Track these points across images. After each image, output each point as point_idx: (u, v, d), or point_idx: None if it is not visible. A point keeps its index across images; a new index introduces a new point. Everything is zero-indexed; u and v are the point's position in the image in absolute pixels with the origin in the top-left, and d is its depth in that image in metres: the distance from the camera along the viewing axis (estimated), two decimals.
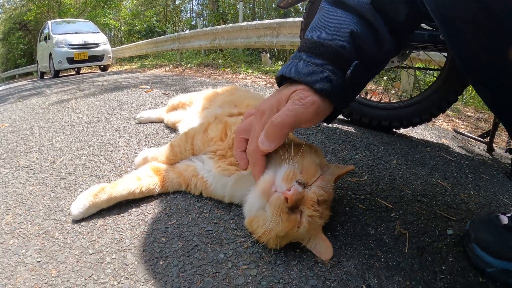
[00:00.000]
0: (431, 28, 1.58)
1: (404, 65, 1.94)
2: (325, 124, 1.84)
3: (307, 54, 0.70)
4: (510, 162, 1.52)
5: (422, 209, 1.03)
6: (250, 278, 0.73)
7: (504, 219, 0.81)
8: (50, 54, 9.60)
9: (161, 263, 0.78)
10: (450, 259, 0.83)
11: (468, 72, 0.64)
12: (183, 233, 0.88)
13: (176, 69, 6.55)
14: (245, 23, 6.16)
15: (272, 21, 5.39)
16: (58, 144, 1.66)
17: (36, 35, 15.47)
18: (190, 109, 1.57)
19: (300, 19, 1.97)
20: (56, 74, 9.46)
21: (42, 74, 11.49)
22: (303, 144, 0.86)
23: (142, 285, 0.71)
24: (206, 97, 1.52)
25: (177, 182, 1.07)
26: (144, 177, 1.04)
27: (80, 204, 0.94)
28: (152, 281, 0.72)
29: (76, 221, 0.95)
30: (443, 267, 0.80)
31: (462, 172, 1.38)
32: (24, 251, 0.85)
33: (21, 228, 0.95)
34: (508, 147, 1.68)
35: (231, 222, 0.92)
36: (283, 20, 5.16)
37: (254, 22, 5.93)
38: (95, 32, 10.54)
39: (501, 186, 1.32)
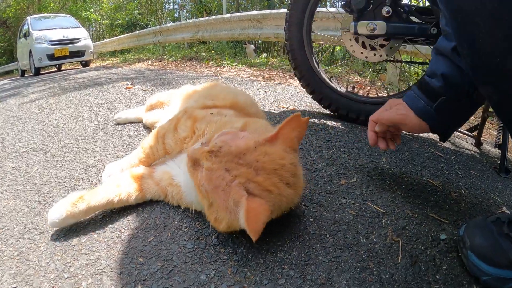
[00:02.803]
0: (420, 21, 1.54)
1: (392, 59, 1.90)
2: (313, 120, 1.80)
3: (417, 89, 0.99)
4: (499, 156, 1.50)
5: (414, 212, 1.00)
6: None
7: (502, 226, 0.79)
8: (30, 51, 9.30)
9: (139, 287, 0.72)
10: (444, 267, 0.80)
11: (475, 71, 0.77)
12: (162, 251, 0.83)
13: (159, 63, 6.40)
14: (228, 15, 6.04)
15: (256, 12, 5.30)
16: (33, 151, 1.59)
17: (16, 32, 14.96)
18: (168, 108, 1.51)
19: (285, 10, 1.91)
20: (37, 72, 9.17)
21: (23, 72, 11.14)
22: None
23: None
24: (186, 95, 1.47)
25: (156, 190, 1.02)
26: (123, 184, 0.99)
27: (56, 213, 0.89)
28: None
29: (53, 236, 0.91)
30: (437, 277, 0.78)
31: (452, 169, 1.36)
32: (0, 275, 0.80)
33: None
34: (497, 143, 1.66)
35: (213, 238, 0.87)
36: (267, 11, 5.08)
37: (238, 14, 5.83)
38: (75, 27, 10.24)
39: (491, 182, 1.30)
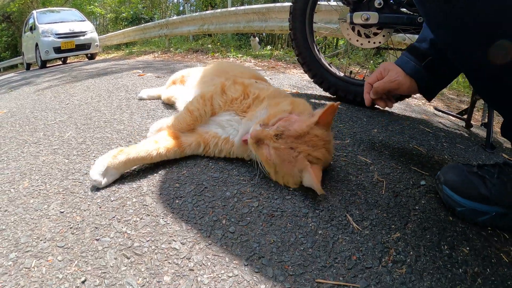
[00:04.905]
0: (409, 12, 1.71)
1: (386, 46, 2.08)
2: (314, 101, 1.98)
3: (408, 53, 1.15)
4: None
5: (398, 165, 1.18)
6: (253, 208, 0.89)
7: (472, 167, 0.93)
8: (36, 44, 9.40)
9: (177, 201, 0.92)
10: (423, 202, 0.97)
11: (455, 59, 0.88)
12: (194, 179, 1.03)
13: (165, 55, 6.57)
14: (234, 8, 6.18)
15: (261, 6, 5.45)
16: (62, 123, 1.72)
17: (19, 27, 15.04)
18: (188, 83, 1.70)
19: (289, 4, 2.09)
20: (43, 65, 9.28)
21: (28, 66, 11.23)
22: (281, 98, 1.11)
23: (162, 218, 0.85)
24: (201, 72, 1.67)
25: (196, 143, 1.15)
26: (161, 140, 1.10)
27: (99, 167, 0.99)
28: (171, 215, 0.87)
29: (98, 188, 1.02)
30: (417, 207, 0.94)
31: (439, 141, 1.50)
32: (46, 206, 0.94)
33: (40, 189, 1.04)
34: (483, 121, 1.79)
35: (234, 171, 1.08)
36: (272, 5, 5.22)
37: (243, 7, 5.96)
38: (81, 21, 10.36)
39: (475, 154, 1.43)
